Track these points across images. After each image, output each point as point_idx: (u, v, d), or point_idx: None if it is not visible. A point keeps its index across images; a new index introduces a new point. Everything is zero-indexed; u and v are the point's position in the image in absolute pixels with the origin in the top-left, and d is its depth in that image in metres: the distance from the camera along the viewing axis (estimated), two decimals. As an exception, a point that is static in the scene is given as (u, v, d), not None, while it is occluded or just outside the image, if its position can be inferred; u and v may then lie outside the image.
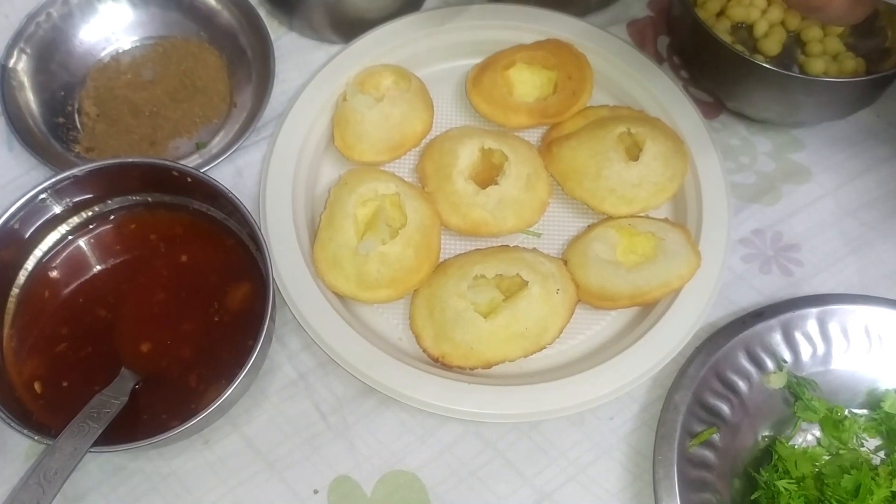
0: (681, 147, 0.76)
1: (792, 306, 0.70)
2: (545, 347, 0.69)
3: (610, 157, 0.73)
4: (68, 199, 0.67)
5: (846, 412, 0.68)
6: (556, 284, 0.69)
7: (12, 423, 0.58)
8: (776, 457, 0.65)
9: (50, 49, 0.79)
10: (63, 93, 0.79)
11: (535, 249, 0.73)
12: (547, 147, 0.77)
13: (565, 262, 0.72)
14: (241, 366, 0.60)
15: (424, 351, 0.69)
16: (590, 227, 0.75)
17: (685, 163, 0.76)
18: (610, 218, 0.75)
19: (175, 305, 0.67)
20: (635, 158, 0.74)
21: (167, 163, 0.67)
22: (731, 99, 0.81)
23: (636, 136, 0.75)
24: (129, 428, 0.61)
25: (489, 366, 0.68)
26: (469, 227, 0.73)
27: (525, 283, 0.68)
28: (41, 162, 0.74)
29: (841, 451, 0.66)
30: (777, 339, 0.69)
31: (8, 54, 0.77)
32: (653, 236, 0.72)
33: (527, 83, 0.80)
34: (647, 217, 0.75)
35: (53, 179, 0.65)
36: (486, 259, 0.70)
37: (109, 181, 0.68)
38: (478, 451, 0.67)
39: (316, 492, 0.65)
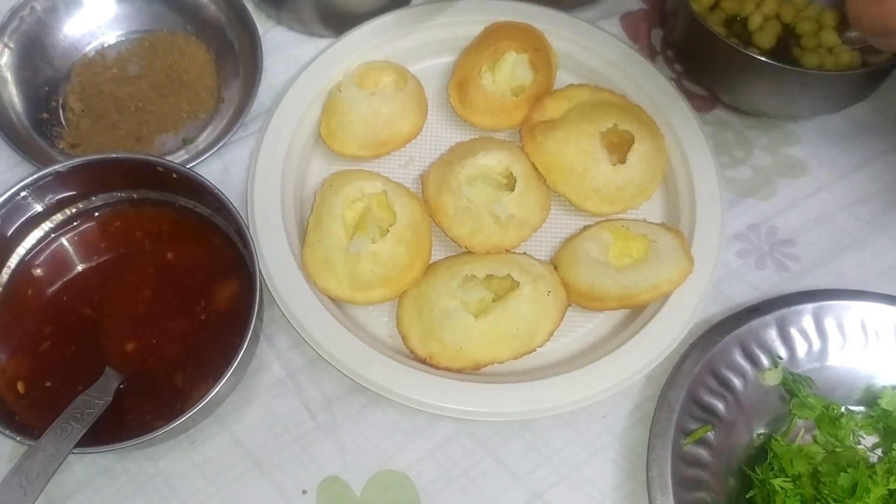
0: (661, 143, 0.75)
1: (787, 302, 0.69)
2: (534, 350, 0.68)
3: (598, 157, 0.72)
4: (50, 197, 0.66)
5: (843, 409, 0.67)
6: (547, 287, 0.68)
7: (-5, 424, 0.57)
8: (772, 455, 0.64)
9: (34, 43, 0.78)
10: (47, 88, 0.78)
11: (525, 253, 0.72)
12: (530, 131, 0.76)
13: (555, 267, 0.71)
14: (228, 364, 0.59)
15: (412, 352, 0.68)
16: (584, 228, 0.74)
17: (664, 161, 0.75)
18: (606, 220, 0.74)
19: (161, 304, 0.66)
20: (619, 153, 0.74)
21: (151, 158, 0.66)
22: (725, 92, 0.80)
23: (623, 135, 0.74)
24: (114, 428, 0.60)
25: (478, 367, 0.67)
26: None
27: (516, 284, 0.67)
28: (24, 158, 0.73)
29: (837, 449, 0.65)
30: (772, 335, 0.68)
31: (-9, 49, 0.76)
32: (645, 238, 0.71)
33: (506, 76, 0.79)
34: (644, 221, 0.74)
35: (35, 176, 0.64)
36: (477, 260, 0.70)
37: (93, 177, 0.67)
38: (469, 450, 0.66)
39: (305, 492, 0.64)
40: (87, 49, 0.80)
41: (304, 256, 0.70)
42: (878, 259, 0.76)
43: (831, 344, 0.69)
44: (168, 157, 0.72)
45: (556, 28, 0.81)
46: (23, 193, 0.64)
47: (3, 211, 0.64)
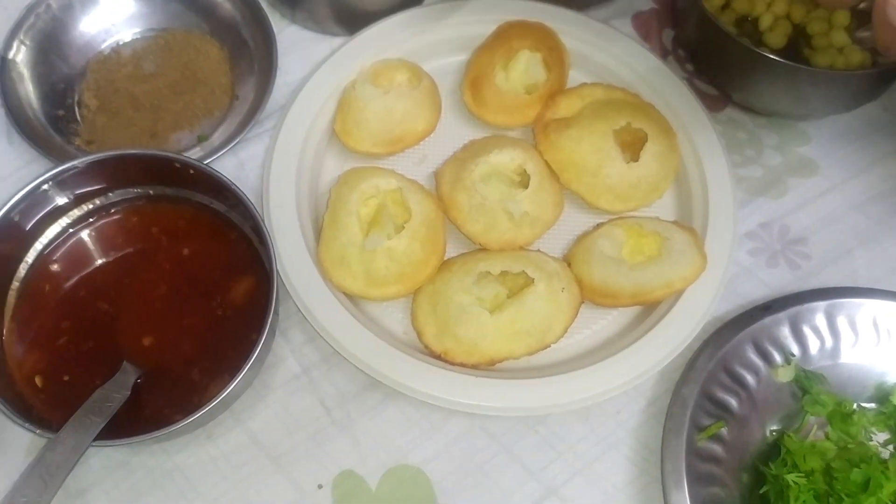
0: (674, 141, 0.76)
1: (800, 299, 0.70)
2: (549, 346, 0.68)
3: (611, 155, 0.73)
4: (69, 192, 0.67)
5: (855, 406, 0.67)
6: (560, 283, 0.68)
7: (13, 418, 0.58)
8: (785, 451, 0.64)
9: (50, 40, 0.79)
10: (63, 85, 0.79)
11: (539, 250, 0.73)
12: (543, 129, 0.76)
13: (569, 264, 0.72)
14: (244, 359, 0.59)
15: (426, 347, 0.68)
16: (598, 225, 0.74)
17: (677, 159, 0.76)
18: (619, 218, 0.74)
19: (177, 299, 0.67)
20: (632, 152, 0.74)
21: (169, 155, 0.67)
22: (736, 91, 0.81)
23: (637, 133, 0.74)
24: (132, 422, 0.60)
25: (493, 363, 0.67)
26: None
27: (530, 281, 0.67)
28: (41, 154, 0.73)
29: (850, 445, 0.66)
30: (785, 332, 0.69)
31: (7, 46, 0.76)
32: (658, 236, 0.71)
33: (519, 74, 0.79)
34: (657, 218, 0.74)
35: (55, 171, 0.64)
36: (491, 256, 0.70)
37: (111, 173, 0.67)
38: (484, 446, 0.66)
39: (320, 486, 0.65)
40: (103, 46, 0.81)
41: (319, 252, 0.70)
42: (889, 257, 0.76)
43: (843, 341, 0.69)
44: (183, 154, 0.72)
45: (569, 27, 0.81)
46: (44, 187, 0.64)
47: (24, 204, 0.64)
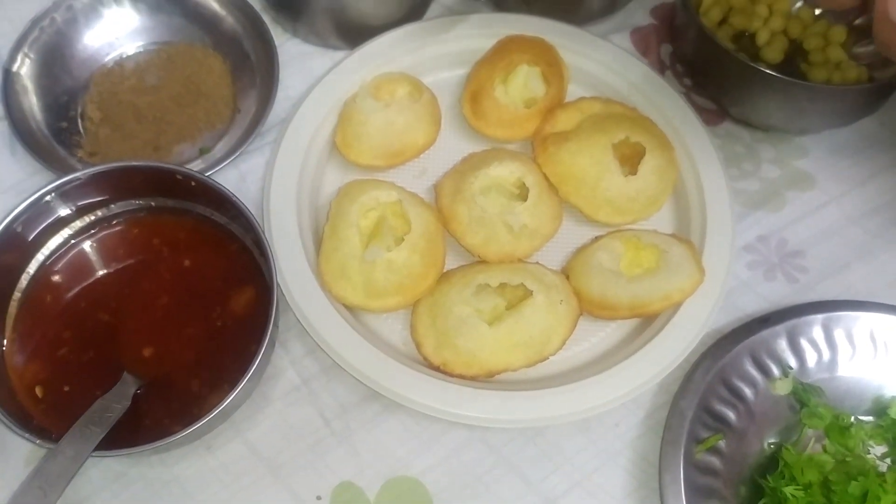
0: (672, 155, 0.77)
1: (797, 312, 0.70)
2: (547, 358, 0.68)
3: (610, 168, 0.73)
4: (72, 203, 0.67)
5: (852, 419, 0.67)
6: (559, 295, 0.69)
7: (13, 428, 0.58)
8: (783, 463, 0.64)
9: (54, 54, 0.79)
10: (66, 97, 0.79)
11: (537, 262, 0.73)
12: (542, 143, 0.77)
13: (567, 276, 0.72)
14: (243, 371, 0.60)
15: (425, 359, 0.68)
16: (596, 238, 0.75)
17: (675, 173, 0.77)
18: (617, 231, 0.75)
19: (178, 310, 0.67)
20: (630, 165, 0.75)
21: (171, 166, 0.67)
22: (734, 106, 0.81)
23: (635, 146, 0.75)
24: (131, 433, 0.61)
25: (491, 375, 0.68)
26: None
27: (529, 293, 0.67)
28: (44, 166, 0.73)
29: (847, 458, 0.66)
30: (782, 345, 0.69)
31: (12, 59, 0.77)
32: (656, 248, 0.72)
33: (519, 88, 0.80)
34: (655, 231, 0.75)
35: (58, 182, 0.65)
36: (490, 268, 0.71)
37: (113, 185, 0.68)
38: (483, 457, 0.67)
39: (319, 498, 0.65)
40: (107, 59, 0.82)
41: (319, 264, 0.71)
42: (886, 271, 0.76)
43: (841, 354, 0.70)
44: (185, 167, 0.73)
45: (568, 42, 0.82)
46: (47, 198, 0.65)
47: (26, 216, 0.64)
